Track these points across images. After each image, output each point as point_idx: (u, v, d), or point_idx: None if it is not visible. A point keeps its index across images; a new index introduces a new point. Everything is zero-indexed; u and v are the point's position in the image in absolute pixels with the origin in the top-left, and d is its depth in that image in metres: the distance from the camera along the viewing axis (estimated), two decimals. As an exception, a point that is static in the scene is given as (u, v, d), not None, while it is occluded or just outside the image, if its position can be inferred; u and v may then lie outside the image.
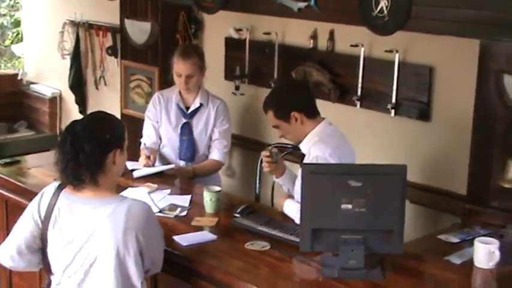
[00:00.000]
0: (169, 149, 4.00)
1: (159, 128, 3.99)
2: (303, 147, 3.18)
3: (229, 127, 4.02)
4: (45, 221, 2.47)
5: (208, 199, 3.18)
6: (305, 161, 3.12)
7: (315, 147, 3.06)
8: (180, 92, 3.98)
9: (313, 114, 3.17)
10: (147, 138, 3.99)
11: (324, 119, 3.18)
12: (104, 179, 2.43)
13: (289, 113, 3.11)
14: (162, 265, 2.58)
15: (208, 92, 4.04)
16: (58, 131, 6.18)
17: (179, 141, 3.96)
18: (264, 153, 3.26)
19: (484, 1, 3.08)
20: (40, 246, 2.51)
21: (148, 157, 3.75)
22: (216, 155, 3.96)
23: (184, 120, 3.96)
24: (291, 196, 3.21)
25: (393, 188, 2.50)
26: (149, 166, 3.72)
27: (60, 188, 2.49)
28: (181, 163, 3.94)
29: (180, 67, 3.84)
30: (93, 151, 2.38)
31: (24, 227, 2.54)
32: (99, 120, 2.51)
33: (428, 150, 3.65)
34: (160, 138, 4.01)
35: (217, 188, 3.24)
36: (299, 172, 3.28)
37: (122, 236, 2.37)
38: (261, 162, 4.10)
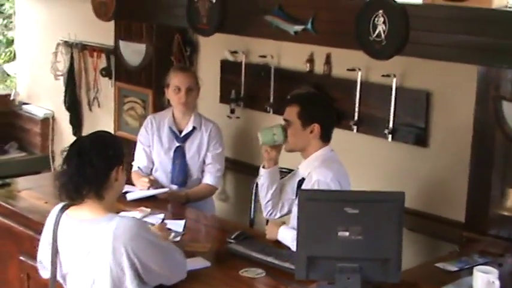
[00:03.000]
0: (161, 173, 3.97)
1: (151, 152, 3.98)
2: (303, 169, 3.18)
3: (222, 151, 4.01)
4: (53, 245, 2.52)
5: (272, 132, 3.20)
6: (305, 185, 3.12)
7: (317, 171, 3.06)
8: (173, 115, 3.97)
9: (327, 138, 3.21)
10: (138, 162, 3.97)
11: (328, 145, 3.19)
12: (108, 195, 2.47)
13: (312, 121, 3.13)
14: None
15: (201, 115, 4.04)
16: (50, 153, 6.15)
17: (171, 165, 3.94)
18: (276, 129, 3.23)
19: (482, 27, 3.09)
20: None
21: (151, 179, 3.75)
22: (209, 179, 3.94)
23: (177, 144, 3.95)
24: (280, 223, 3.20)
25: (390, 216, 2.48)
26: (149, 189, 3.70)
27: (62, 210, 2.53)
28: (174, 187, 3.91)
29: (180, 79, 3.85)
30: (100, 165, 2.43)
31: (40, 248, 2.63)
32: (103, 136, 2.58)
33: (425, 176, 3.64)
34: (152, 163, 3.99)
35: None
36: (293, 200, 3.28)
37: (112, 255, 2.39)
38: (256, 186, 4.11)
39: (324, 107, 3.27)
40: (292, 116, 3.16)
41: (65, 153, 2.49)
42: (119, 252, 2.38)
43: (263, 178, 3.33)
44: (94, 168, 2.41)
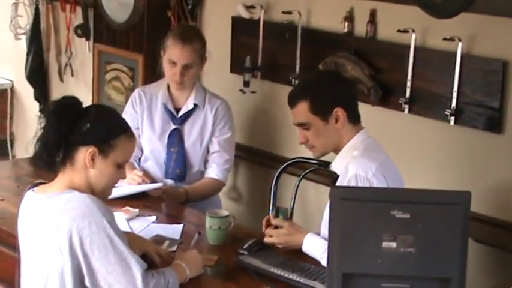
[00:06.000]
0: (153, 164, 4.00)
1: (140, 136, 3.99)
2: (337, 165, 3.17)
3: (232, 135, 4.03)
4: (16, 232, 2.61)
5: (210, 227, 3.20)
6: (340, 181, 3.12)
7: (355, 163, 3.05)
8: (168, 89, 3.98)
9: (356, 118, 3.21)
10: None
11: (363, 128, 3.20)
12: (70, 174, 2.53)
13: (331, 108, 3.12)
14: None
15: (206, 89, 4.05)
16: (8, 135, 6.18)
17: (166, 153, 3.97)
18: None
19: None
20: None
21: (144, 174, 3.78)
22: (214, 172, 3.97)
23: (173, 126, 3.97)
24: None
25: (452, 222, 2.49)
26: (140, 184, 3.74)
27: (31, 188, 2.62)
28: (169, 182, 3.94)
29: (176, 53, 3.86)
30: (60, 129, 2.48)
31: None
32: (97, 108, 2.68)
33: (499, 172, 3.64)
34: (141, 150, 4.01)
35: (224, 213, 3.27)
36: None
37: (56, 233, 2.42)
38: (276, 182, 4.12)
39: (334, 84, 3.25)
40: (306, 115, 3.14)
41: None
42: (62, 231, 2.41)
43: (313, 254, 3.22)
44: (50, 130, 2.50)
